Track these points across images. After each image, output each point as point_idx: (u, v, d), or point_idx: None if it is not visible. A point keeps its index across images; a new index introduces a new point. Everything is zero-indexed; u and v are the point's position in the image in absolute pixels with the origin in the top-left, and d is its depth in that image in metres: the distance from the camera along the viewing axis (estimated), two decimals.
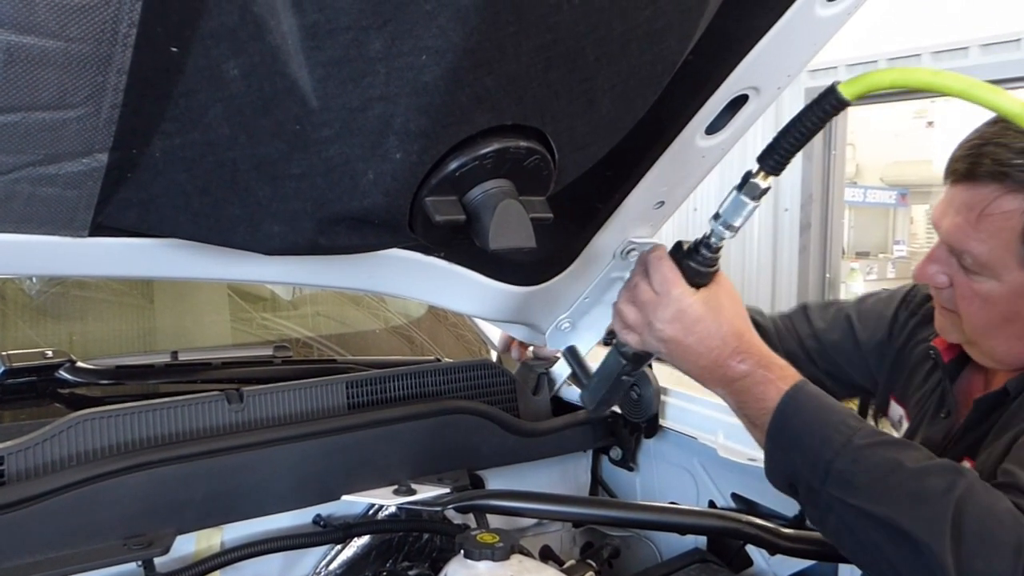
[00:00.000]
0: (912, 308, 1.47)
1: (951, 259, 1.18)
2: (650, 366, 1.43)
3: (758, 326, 1.71)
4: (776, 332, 1.63)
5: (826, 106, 0.90)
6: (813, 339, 1.59)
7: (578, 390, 1.55)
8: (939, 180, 1.22)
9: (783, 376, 0.99)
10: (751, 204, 1.00)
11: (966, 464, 1.11)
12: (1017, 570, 0.80)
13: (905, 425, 1.42)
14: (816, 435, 0.93)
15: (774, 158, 0.96)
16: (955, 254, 1.17)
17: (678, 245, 1.07)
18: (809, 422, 0.95)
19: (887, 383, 1.49)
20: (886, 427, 1.46)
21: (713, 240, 1.03)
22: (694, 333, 1.02)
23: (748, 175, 1.00)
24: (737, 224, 1.02)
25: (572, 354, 1.41)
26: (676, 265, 1.05)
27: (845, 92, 0.88)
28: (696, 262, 1.04)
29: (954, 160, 1.15)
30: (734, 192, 1.01)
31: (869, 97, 0.92)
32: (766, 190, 1.00)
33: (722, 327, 1.03)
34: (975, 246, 1.12)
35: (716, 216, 1.03)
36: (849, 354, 1.55)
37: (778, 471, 0.98)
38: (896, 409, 1.48)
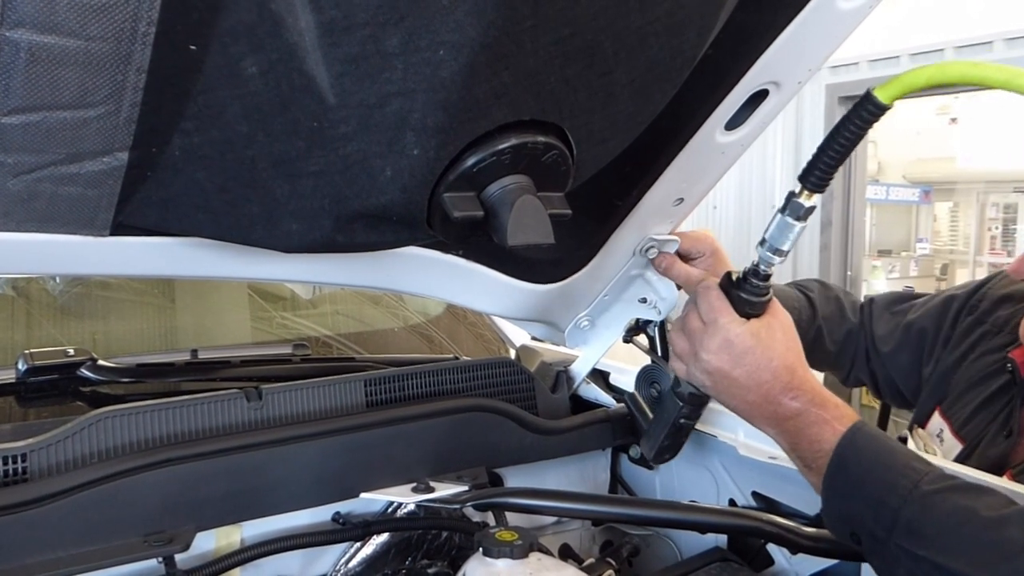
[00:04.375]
0: (979, 315, 1.37)
1: None
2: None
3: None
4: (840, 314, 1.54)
5: (863, 113, 0.85)
6: (871, 343, 1.50)
7: (596, 387, 1.55)
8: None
9: (839, 416, 0.93)
10: (798, 225, 0.95)
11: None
12: None
13: (945, 439, 1.33)
14: (880, 481, 0.87)
15: (815, 175, 0.92)
16: None
17: (727, 275, 1.02)
18: (871, 467, 0.88)
19: (933, 392, 1.39)
20: (921, 439, 1.37)
21: (761, 267, 0.99)
22: (742, 365, 0.96)
23: (791, 195, 0.94)
24: (785, 248, 0.97)
25: (632, 401, 1.37)
26: (725, 295, 1.00)
27: (881, 96, 0.83)
28: (745, 291, 0.99)
29: None
30: (778, 215, 0.96)
31: None
32: (811, 209, 0.94)
33: (773, 361, 0.96)
34: None
35: (762, 242, 0.98)
36: (906, 369, 1.46)
37: (838, 519, 0.92)
38: (937, 422, 1.38)
